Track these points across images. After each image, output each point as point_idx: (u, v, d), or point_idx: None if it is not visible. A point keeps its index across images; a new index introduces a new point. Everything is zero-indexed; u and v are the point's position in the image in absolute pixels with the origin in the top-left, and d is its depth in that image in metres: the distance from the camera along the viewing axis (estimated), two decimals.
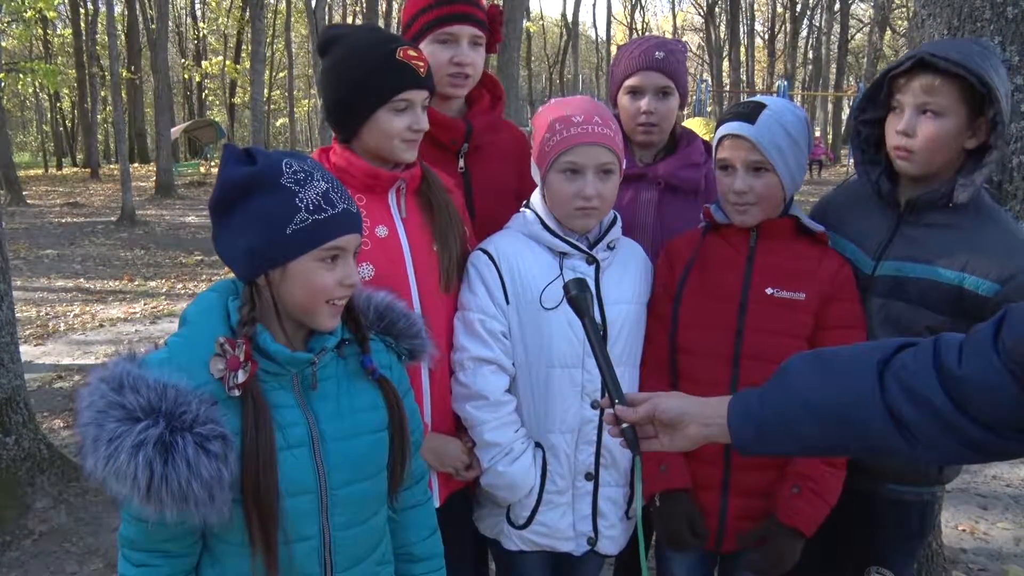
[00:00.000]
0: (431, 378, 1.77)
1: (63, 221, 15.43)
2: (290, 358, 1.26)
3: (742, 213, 1.76)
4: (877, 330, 1.75)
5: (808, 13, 38.59)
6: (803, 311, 1.73)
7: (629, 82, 2.08)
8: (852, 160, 1.84)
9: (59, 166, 35.66)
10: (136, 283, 9.54)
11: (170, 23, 31.22)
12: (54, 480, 3.71)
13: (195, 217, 15.99)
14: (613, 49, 40.94)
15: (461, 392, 1.79)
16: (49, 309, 8.05)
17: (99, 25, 29.83)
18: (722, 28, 38.20)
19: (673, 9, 49.41)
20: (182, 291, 9.05)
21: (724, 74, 39.34)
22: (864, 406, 1.07)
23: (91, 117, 27.33)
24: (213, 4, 38.56)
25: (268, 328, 1.27)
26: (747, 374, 1.73)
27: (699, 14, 45.56)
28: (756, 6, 44.54)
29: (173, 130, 23.98)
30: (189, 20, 44.20)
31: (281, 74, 40.63)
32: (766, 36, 43.65)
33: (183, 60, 41.73)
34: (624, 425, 1.29)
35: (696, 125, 3.68)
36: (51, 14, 22.01)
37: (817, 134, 35.55)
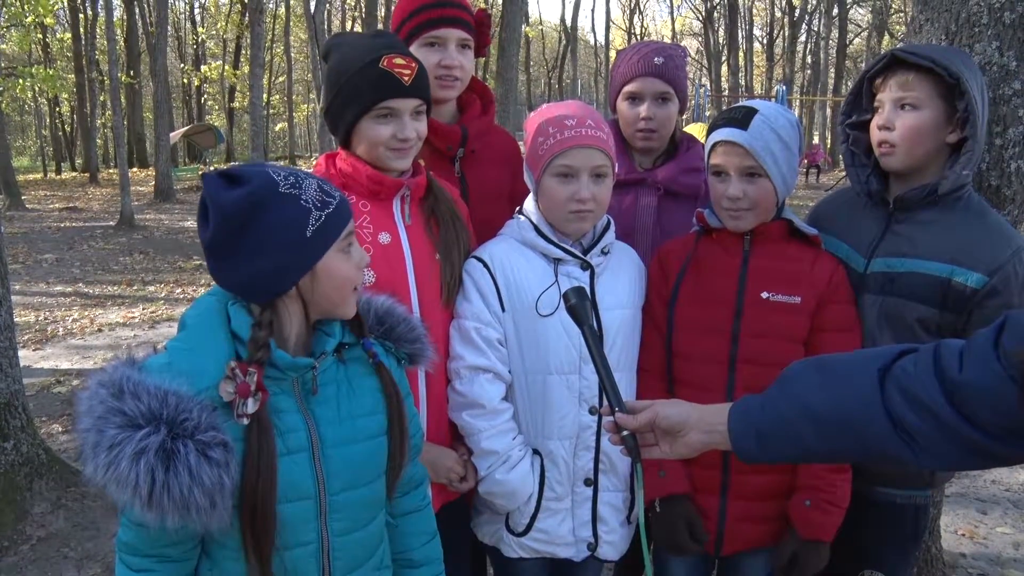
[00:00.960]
0: (428, 388, 1.77)
1: (62, 226, 15.42)
2: (291, 363, 1.25)
3: (736, 219, 1.77)
4: (873, 327, 1.77)
5: (806, 18, 38.68)
6: (798, 314, 1.74)
7: (628, 88, 2.08)
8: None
9: (58, 170, 35.68)
10: (135, 288, 9.53)
11: (169, 28, 31.21)
12: (52, 485, 3.69)
13: (194, 221, 15.95)
14: (612, 54, 41.02)
15: (457, 400, 1.78)
16: (48, 314, 8.05)
17: (98, 30, 29.87)
18: (721, 33, 38.29)
19: (672, 14, 49.50)
20: (181, 295, 9.05)
21: (723, 79, 39.41)
22: (865, 412, 1.07)
23: (90, 121, 27.36)
24: (212, 9, 38.64)
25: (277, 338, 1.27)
26: (743, 378, 1.73)
27: (698, 19, 45.69)
28: (755, 11, 44.66)
29: (172, 135, 23.95)
30: (188, 25, 44.25)
31: (280, 79, 40.72)
32: (764, 41, 43.69)
33: (182, 65, 41.82)
34: (625, 432, 1.29)
35: (696, 130, 3.68)
36: (49, 20, 22.02)
37: (816, 139, 35.62)
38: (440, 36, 1.93)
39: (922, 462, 1.06)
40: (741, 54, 39.58)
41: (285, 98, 36.80)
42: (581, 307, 1.40)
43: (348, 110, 1.68)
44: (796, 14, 36.80)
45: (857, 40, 42.46)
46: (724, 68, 39.11)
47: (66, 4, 27.47)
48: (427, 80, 1.73)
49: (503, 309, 1.77)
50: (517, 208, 1.87)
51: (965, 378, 0.99)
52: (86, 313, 8.07)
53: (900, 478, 1.84)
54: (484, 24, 2.01)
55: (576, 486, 1.81)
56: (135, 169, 28.46)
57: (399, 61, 1.66)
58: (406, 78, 1.66)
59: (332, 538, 1.31)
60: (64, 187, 25.99)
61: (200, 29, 42.18)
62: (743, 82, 37.51)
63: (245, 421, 1.19)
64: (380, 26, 25.67)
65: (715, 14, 39.65)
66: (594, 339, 1.37)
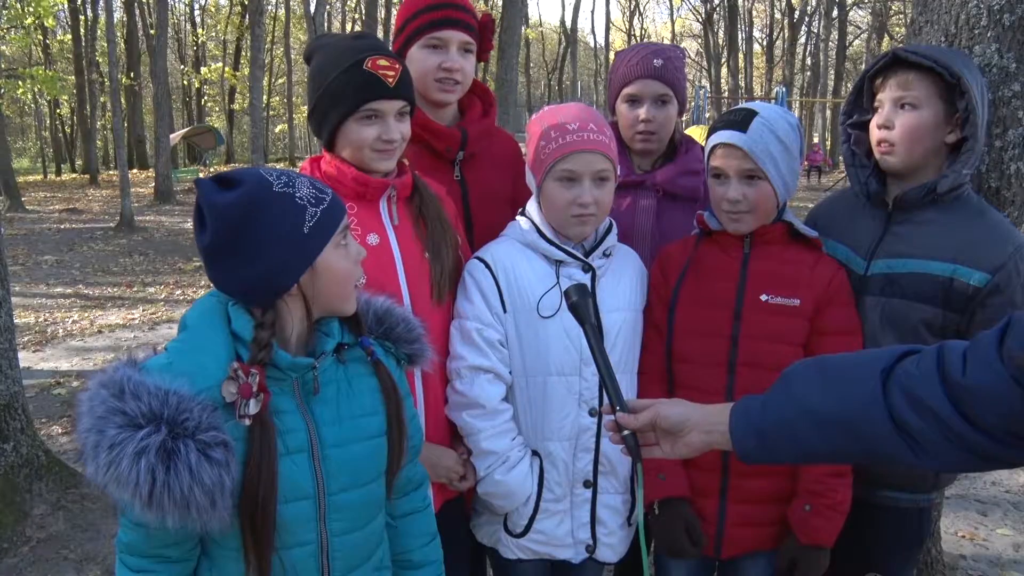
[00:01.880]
0: (425, 388, 1.76)
1: (62, 227, 15.42)
2: (292, 363, 1.25)
3: (736, 221, 1.77)
4: (876, 329, 1.76)
5: (806, 19, 38.73)
6: (798, 317, 1.74)
7: (627, 90, 2.08)
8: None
9: (58, 172, 35.69)
10: (135, 289, 9.53)
11: (169, 29, 31.23)
12: (52, 487, 3.69)
13: None
14: (611, 55, 41.03)
15: (457, 401, 1.78)
16: (48, 315, 8.05)
17: (98, 31, 29.91)
18: (720, 35, 38.32)
19: (671, 16, 49.52)
20: (181, 297, 9.05)
21: (722, 80, 39.44)
22: (867, 414, 1.07)
23: (90, 123, 27.39)
24: (212, 10, 38.65)
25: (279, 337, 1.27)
26: (743, 381, 1.73)
27: (697, 20, 45.72)
28: (754, 12, 44.69)
29: (172, 136, 23.96)
30: (188, 26, 44.27)
31: (280, 80, 40.71)
32: (764, 42, 43.72)
33: (182, 66, 41.83)
34: (625, 432, 1.29)
35: (696, 133, 3.69)
36: (50, 22, 22.03)
37: (816, 140, 35.62)
38: (442, 38, 1.92)
39: (923, 463, 1.06)
40: (741, 56, 39.60)
41: (285, 100, 36.78)
42: (583, 304, 1.40)
43: (332, 112, 1.67)
44: (796, 16, 36.85)
45: (857, 42, 42.51)
46: (724, 70, 39.16)
47: (66, 6, 27.47)
48: (411, 81, 1.72)
49: (504, 310, 1.77)
50: (520, 210, 1.87)
51: (968, 380, 0.99)
52: (86, 315, 8.07)
53: (904, 482, 1.82)
54: (488, 29, 2.00)
55: (575, 488, 1.81)
56: (135, 171, 28.44)
57: (383, 63, 1.65)
58: (390, 80, 1.65)
59: (331, 538, 1.31)
60: (64, 189, 25.99)
61: (200, 31, 42.19)
62: (743, 84, 37.53)
63: (247, 422, 1.19)
64: (380, 28, 25.71)
65: (715, 16, 39.68)
66: (595, 336, 1.37)
